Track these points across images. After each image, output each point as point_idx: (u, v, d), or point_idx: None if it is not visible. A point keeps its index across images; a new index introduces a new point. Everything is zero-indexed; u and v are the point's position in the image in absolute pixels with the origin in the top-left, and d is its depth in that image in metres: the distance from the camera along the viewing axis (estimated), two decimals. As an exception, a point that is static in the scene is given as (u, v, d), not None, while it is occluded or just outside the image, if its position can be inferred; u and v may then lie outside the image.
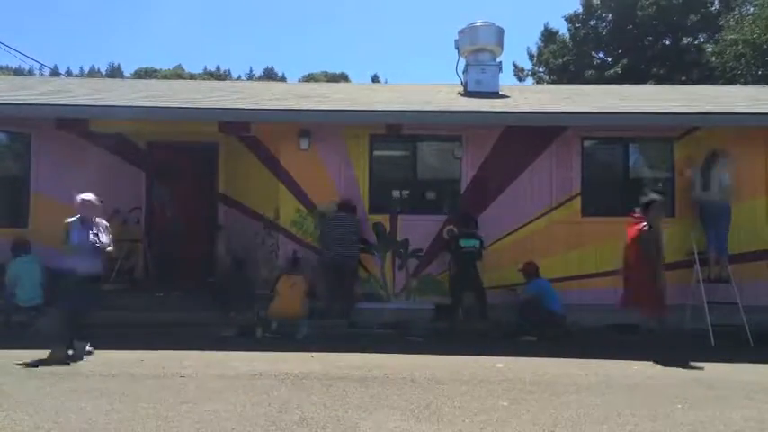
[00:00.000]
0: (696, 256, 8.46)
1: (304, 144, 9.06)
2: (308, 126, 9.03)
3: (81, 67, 66.32)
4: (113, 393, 5.14)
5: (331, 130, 9.08)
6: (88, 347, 6.51)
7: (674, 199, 9.07)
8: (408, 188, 9.52)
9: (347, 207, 8.82)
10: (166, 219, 10.25)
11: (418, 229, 9.08)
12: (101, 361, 6.28)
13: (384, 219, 9.12)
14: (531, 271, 8.53)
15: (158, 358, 6.44)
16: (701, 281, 8.27)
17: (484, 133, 9.10)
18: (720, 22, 22.28)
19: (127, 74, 55.71)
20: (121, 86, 12.16)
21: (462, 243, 8.59)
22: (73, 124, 8.87)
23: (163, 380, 5.68)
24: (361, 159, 9.17)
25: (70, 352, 6.35)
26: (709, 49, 22.65)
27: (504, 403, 5.02)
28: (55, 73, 31.76)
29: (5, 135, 9.12)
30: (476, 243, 8.61)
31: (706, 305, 8.12)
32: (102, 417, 4.52)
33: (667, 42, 26.36)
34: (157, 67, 53.24)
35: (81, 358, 6.33)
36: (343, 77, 52.76)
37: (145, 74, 51.09)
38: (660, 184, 9.29)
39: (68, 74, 50.96)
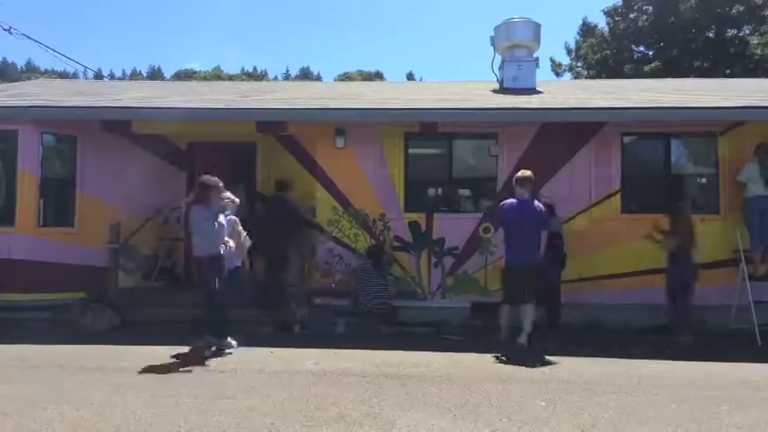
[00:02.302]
0: (742, 254, 8.23)
1: (340, 143, 9.11)
2: (344, 125, 9.06)
3: (123, 70, 68.22)
4: (156, 388, 5.28)
5: (366, 128, 9.10)
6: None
7: (718, 196, 8.86)
8: (444, 186, 9.49)
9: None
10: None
11: (454, 228, 9.04)
12: (144, 356, 6.45)
13: (420, 217, 9.10)
14: None
15: (199, 354, 6.58)
16: (747, 279, 8.04)
17: (521, 130, 8.99)
18: (766, 13, 21.54)
19: (167, 75, 56.93)
20: (163, 89, 12.44)
21: None
22: (117, 126, 9.12)
23: (204, 375, 5.82)
24: (397, 158, 9.16)
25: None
26: (754, 41, 21.91)
27: (542, 403, 4.97)
28: (98, 76, 32.53)
29: (53, 137, 9.42)
30: None
31: (752, 304, 7.88)
32: (145, 410, 4.65)
33: (710, 35, 25.62)
34: (197, 68, 54.29)
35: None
36: (378, 76, 52.83)
37: (185, 75, 52.15)
38: (704, 180, 9.05)
39: (111, 76, 52.44)
